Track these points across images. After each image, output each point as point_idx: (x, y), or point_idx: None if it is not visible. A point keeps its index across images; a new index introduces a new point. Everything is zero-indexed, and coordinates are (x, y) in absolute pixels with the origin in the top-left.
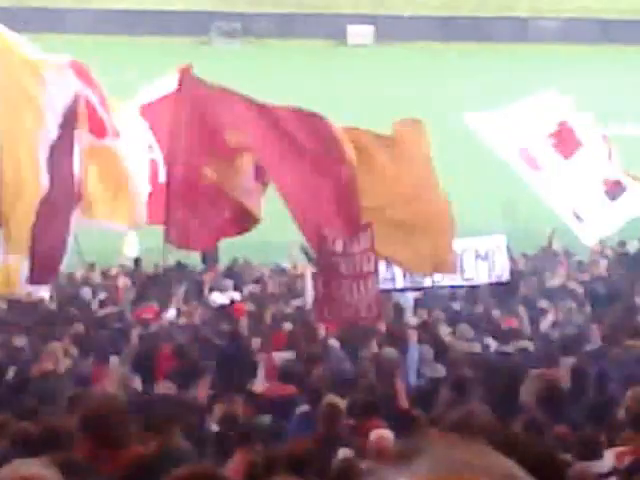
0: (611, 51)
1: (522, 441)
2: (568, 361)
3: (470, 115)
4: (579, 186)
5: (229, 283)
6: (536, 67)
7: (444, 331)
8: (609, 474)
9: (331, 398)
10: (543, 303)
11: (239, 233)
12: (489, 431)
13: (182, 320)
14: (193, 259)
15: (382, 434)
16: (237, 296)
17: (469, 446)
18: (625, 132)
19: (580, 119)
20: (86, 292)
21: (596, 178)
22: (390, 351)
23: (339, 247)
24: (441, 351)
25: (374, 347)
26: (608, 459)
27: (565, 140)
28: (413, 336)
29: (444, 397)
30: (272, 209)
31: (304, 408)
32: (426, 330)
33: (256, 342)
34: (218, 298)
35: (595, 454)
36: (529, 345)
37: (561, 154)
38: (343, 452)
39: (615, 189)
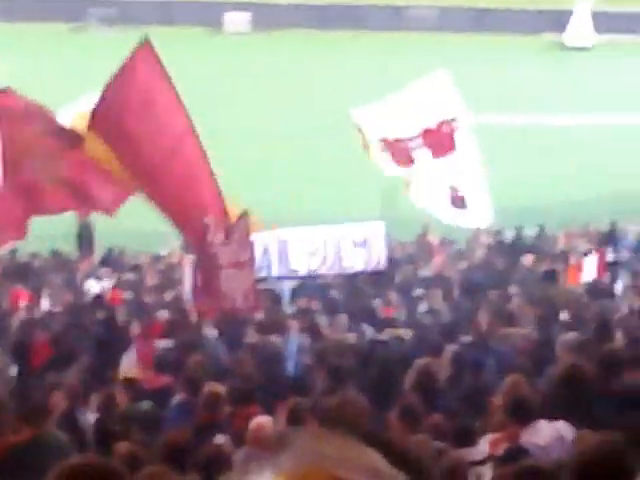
0: (485, 40)
1: (380, 440)
2: (447, 349)
3: (356, 111)
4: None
5: (105, 271)
6: (411, 55)
7: (322, 320)
8: (484, 461)
9: (212, 386)
10: (419, 291)
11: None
12: (363, 419)
13: (57, 308)
14: (69, 247)
15: (261, 422)
16: (112, 284)
17: (336, 440)
18: (498, 120)
19: (461, 120)
20: None
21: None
22: (270, 339)
23: (219, 236)
24: (318, 340)
25: (252, 336)
26: (483, 446)
27: (440, 140)
28: (293, 325)
29: (319, 386)
30: None
31: (181, 397)
32: (304, 319)
33: (132, 330)
34: (93, 286)
35: (469, 441)
36: (406, 333)
37: (433, 153)
38: (219, 439)
39: (458, 203)
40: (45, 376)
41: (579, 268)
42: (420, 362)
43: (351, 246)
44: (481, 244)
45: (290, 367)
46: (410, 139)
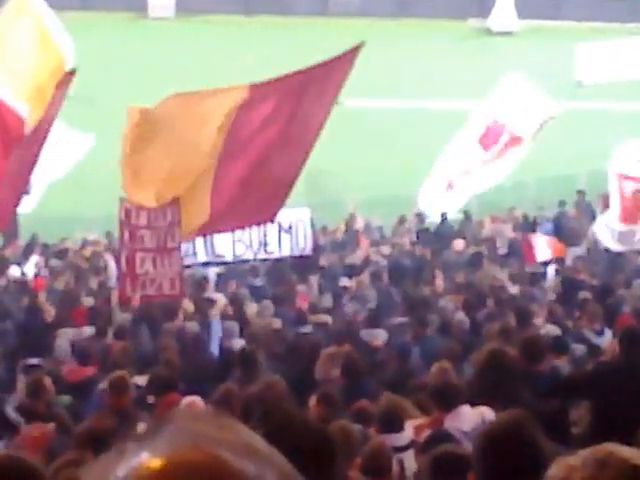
0: (411, 24)
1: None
2: (373, 334)
3: None
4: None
5: (29, 258)
6: (335, 41)
7: (249, 306)
8: (407, 446)
9: (120, 371)
10: (343, 278)
11: None
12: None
13: None
14: None
15: (193, 401)
16: (36, 271)
17: (212, 420)
18: (425, 106)
19: None
20: None
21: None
22: (193, 325)
23: (143, 220)
24: (245, 326)
25: (176, 322)
26: (407, 432)
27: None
28: (216, 310)
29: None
30: (79, 184)
31: (104, 385)
32: (231, 305)
33: (55, 317)
34: (17, 272)
35: (395, 427)
36: (328, 319)
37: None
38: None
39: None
40: None
41: (530, 246)
42: (333, 349)
43: (277, 232)
44: (406, 230)
45: (215, 352)
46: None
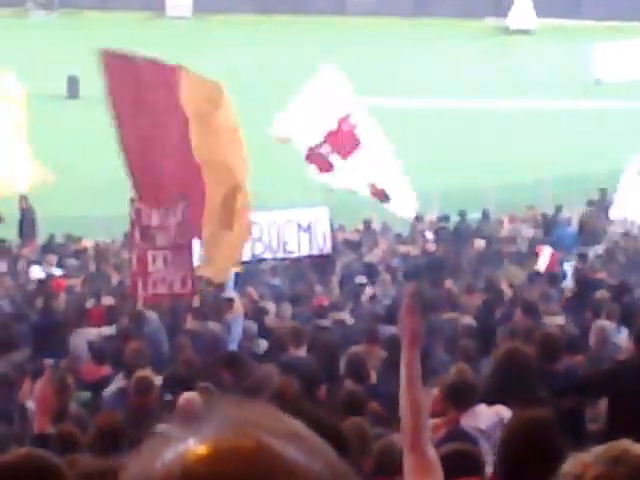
0: (428, 24)
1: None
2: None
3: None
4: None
5: (47, 258)
6: (352, 40)
7: (267, 305)
8: None
9: (142, 372)
10: (361, 277)
11: None
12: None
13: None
14: (10, 234)
15: (189, 397)
16: (57, 271)
17: (256, 407)
18: (443, 105)
19: (361, 113)
20: None
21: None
22: (212, 325)
23: (154, 219)
24: (263, 326)
25: (192, 321)
26: None
27: (342, 140)
28: (238, 310)
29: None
30: (93, 184)
31: (120, 383)
32: (250, 305)
33: (71, 316)
34: (37, 273)
35: None
36: (346, 317)
37: (340, 155)
38: (160, 426)
39: (380, 196)
40: None
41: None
42: (353, 349)
43: (295, 231)
44: (424, 229)
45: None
46: (320, 145)
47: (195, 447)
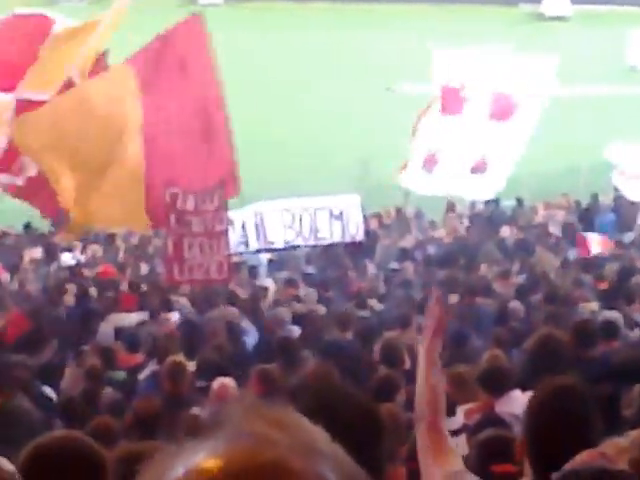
0: (462, 10)
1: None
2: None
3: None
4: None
5: (79, 245)
6: (386, 27)
7: (300, 292)
8: (458, 431)
9: (175, 357)
10: (395, 264)
11: None
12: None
13: (31, 283)
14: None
15: (224, 382)
16: (87, 258)
17: (272, 417)
18: None
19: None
20: None
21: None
22: (232, 312)
23: (190, 204)
24: (299, 312)
25: (225, 308)
26: (459, 416)
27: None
28: (269, 297)
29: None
30: None
31: (154, 368)
32: (285, 291)
33: (102, 303)
34: (68, 259)
35: (448, 411)
36: (379, 305)
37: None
38: (195, 410)
39: (479, 168)
40: (20, 349)
41: (584, 241)
42: (386, 335)
43: (328, 218)
44: (458, 216)
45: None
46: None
47: (206, 462)
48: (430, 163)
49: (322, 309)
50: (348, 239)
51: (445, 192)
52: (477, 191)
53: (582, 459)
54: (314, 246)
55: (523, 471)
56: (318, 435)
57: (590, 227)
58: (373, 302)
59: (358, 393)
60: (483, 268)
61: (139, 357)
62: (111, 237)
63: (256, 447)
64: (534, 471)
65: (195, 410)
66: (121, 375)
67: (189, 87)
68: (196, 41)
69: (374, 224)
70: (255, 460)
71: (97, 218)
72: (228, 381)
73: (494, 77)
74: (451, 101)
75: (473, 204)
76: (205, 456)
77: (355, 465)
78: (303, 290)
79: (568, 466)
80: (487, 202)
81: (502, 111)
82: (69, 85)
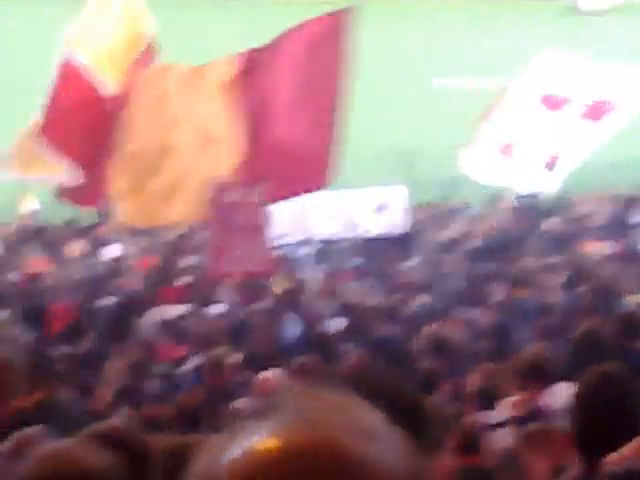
0: (500, 3)
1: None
2: (468, 313)
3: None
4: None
5: (124, 237)
6: (424, 20)
7: (345, 285)
8: (503, 423)
9: (218, 350)
10: (440, 255)
11: None
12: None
13: (76, 274)
14: (86, 213)
15: (270, 374)
16: (131, 250)
17: (328, 400)
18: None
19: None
20: None
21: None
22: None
23: (233, 197)
24: (345, 305)
25: (267, 300)
26: (504, 408)
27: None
28: (312, 289)
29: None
30: None
31: (197, 361)
32: (327, 284)
33: (146, 295)
34: (113, 252)
35: (491, 404)
36: (427, 298)
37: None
38: (239, 402)
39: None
40: (63, 342)
41: None
42: (431, 327)
43: (371, 210)
44: (501, 208)
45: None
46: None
47: (264, 442)
48: (505, 152)
49: (367, 301)
50: (392, 231)
51: (512, 183)
52: (545, 185)
53: (633, 448)
54: (358, 238)
55: (570, 462)
56: (377, 418)
57: (635, 219)
58: (418, 294)
59: (404, 385)
60: (528, 260)
61: (183, 350)
62: (155, 229)
63: (314, 428)
64: (582, 461)
65: (238, 403)
66: (164, 368)
67: (313, 78)
68: (332, 35)
69: (419, 216)
70: (314, 441)
71: (147, 215)
72: (273, 373)
73: (596, 79)
74: (552, 99)
75: (519, 196)
76: (263, 437)
77: (414, 449)
78: (348, 282)
79: (617, 455)
80: (532, 194)
81: (598, 112)
82: None
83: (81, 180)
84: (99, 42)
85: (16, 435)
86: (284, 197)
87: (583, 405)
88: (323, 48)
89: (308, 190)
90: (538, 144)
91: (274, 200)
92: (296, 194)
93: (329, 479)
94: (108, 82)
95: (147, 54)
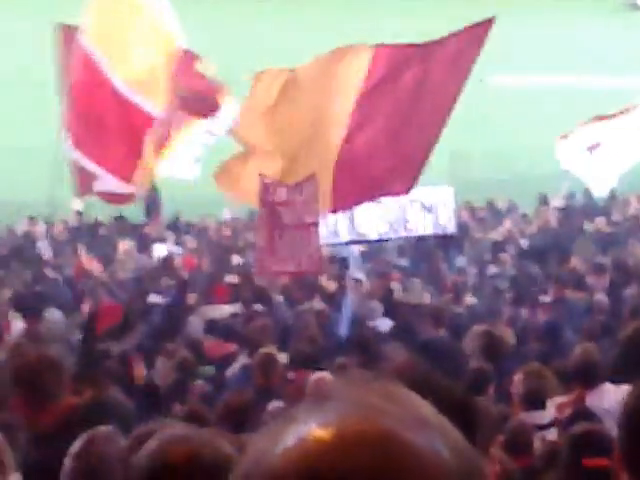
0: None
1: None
2: (517, 312)
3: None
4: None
5: (171, 236)
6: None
7: (395, 285)
8: (550, 424)
9: (266, 349)
10: (487, 256)
11: None
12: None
13: (125, 273)
14: (134, 211)
15: (321, 376)
16: (179, 249)
17: (381, 390)
18: (568, 82)
19: None
20: (29, 245)
21: None
22: (317, 304)
23: (282, 196)
24: (391, 306)
25: (317, 300)
26: (550, 410)
27: None
28: (352, 289)
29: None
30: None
31: (245, 360)
32: (377, 284)
33: (195, 296)
34: (161, 250)
35: (538, 405)
36: (473, 299)
37: None
38: (274, 405)
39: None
40: (112, 340)
41: None
42: (480, 328)
43: (420, 210)
44: (550, 208)
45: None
46: None
47: (318, 432)
48: (591, 150)
49: (415, 302)
50: (439, 231)
51: (590, 180)
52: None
53: None
54: (405, 238)
55: (618, 471)
56: (427, 409)
57: None
58: (464, 295)
59: (452, 385)
60: (575, 261)
61: (230, 349)
62: (204, 229)
63: (368, 417)
64: (631, 472)
65: (283, 403)
66: (212, 368)
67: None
68: (472, 44)
69: (466, 216)
70: (367, 430)
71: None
72: (325, 375)
73: None
74: None
75: (567, 196)
76: (317, 425)
77: (464, 439)
78: (395, 283)
79: None
80: (588, 194)
81: None
82: None
83: (112, 185)
84: (132, 60)
85: (87, 435)
86: (370, 199)
87: (631, 413)
88: (461, 59)
89: (395, 194)
90: (619, 147)
91: (357, 203)
92: (381, 197)
93: (382, 468)
94: (151, 102)
95: (185, 62)
